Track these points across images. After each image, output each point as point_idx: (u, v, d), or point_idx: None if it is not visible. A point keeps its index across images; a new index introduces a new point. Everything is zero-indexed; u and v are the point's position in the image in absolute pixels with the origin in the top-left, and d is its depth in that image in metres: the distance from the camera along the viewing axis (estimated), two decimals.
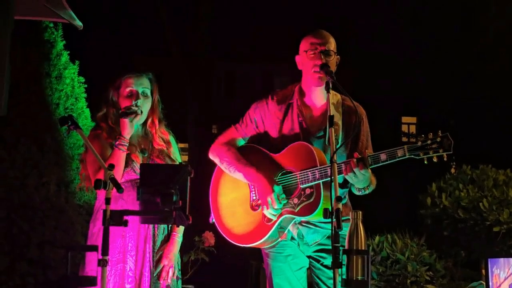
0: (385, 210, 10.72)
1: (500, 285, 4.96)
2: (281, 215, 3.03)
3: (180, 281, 3.28)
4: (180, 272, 3.30)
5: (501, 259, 5.12)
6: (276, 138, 3.18)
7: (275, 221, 3.04)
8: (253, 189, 3.16)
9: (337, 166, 2.87)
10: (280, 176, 3.09)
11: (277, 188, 3.02)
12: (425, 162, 2.78)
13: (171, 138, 3.39)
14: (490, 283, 5.01)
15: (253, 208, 3.14)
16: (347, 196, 3.22)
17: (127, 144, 3.13)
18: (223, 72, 21.96)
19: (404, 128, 21.30)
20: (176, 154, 3.36)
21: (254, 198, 3.15)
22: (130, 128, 3.13)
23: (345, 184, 3.12)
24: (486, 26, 14.41)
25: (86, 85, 5.58)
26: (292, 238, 3.15)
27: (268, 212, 3.03)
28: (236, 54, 20.43)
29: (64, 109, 5.34)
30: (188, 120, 12.60)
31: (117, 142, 3.11)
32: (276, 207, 2.99)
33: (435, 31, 15.67)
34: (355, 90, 3.02)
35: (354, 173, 2.84)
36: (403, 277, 5.51)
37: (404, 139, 20.02)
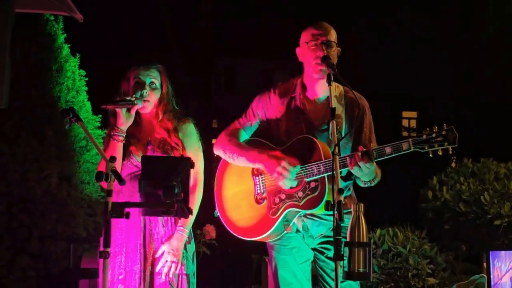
0: (386, 203, 10.73)
1: (501, 278, 4.97)
2: (286, 208, 3.02)
3: (184, 277, 3.19)
4: (189, 268, 3.21)
5: (503, 252, 5.12)
6: (280, 131, 3.16)
7: (280, 214, 3.03)
8: (257, 182, 3.15)
9: (342, 159, 2.87)
10: None
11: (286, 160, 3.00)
12: (430, 155, 2.77)
13: (185, 127, 3.31)
14: (492, 276, 5.01)
15: (258, 201, 3.13)
16: (351, 188, 3.20)
17: (123, 135, 3.10)
18: (223, 67, 21.94)
19: (405, 122, 21.30)
20: (188, 142, 3.27)
21: (258, 191, 3.14)
22: (124, 119, 3.09)
23: (349, 176, 3.10)
24: (487, 21, 14.39)
25: (87, 78, 5.58)
26: (297, 231, 3.14)
27: (287, 181, 2.97)
28: (235, 49, 20.40)
29: (65, 102, 5.34)
30: (188, 115, 12.57)
31: (112, 133, 3.10)
32: (292, 170, 2.95)
33: (435, 27, 15.64)
34: (355, 85, 3.00)
35: (359, 166, 2.83)
36: (404, 270, 5.51)
37: (405, 133, 20.03)
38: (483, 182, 6.24)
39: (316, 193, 2.95)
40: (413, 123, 21.27)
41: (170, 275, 3.09)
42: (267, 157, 3.03)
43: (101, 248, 2.54)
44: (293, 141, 3.07)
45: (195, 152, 3.28)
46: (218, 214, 3.27)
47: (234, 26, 18.02)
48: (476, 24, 14.68)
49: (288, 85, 3.24)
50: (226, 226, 3.23)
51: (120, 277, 3.08)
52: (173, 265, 3.09)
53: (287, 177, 2.97)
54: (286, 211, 3.02)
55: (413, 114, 21.48)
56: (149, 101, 3.20)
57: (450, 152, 2.75)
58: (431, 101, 16.48)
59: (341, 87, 3.18)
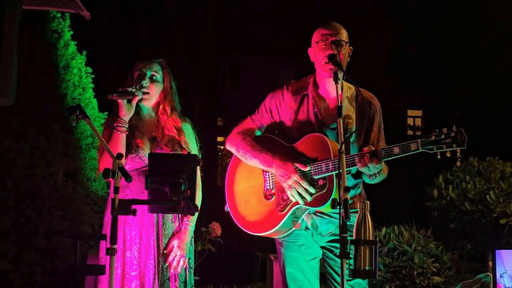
0: (392, 201, 10.72)
1: (505, 277, 4.96)
2: (294, 204, 3.03)
3: (191, 270, 3.26)
4: (192, 261, 3.28)
5: (508, 251, 5.11)
6: (291, 129, 3.18)
7: (288, 210, 3.05)
8: (267, 178, 3.17)
9: (351, 158, 2.89)
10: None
11: (295, 165, 3.02)
12: (438, 157, 2.77)
13: (186, 126, 3.37)
14: (497, 275, 5.00)
15: (267, 197, 3.15)
16: (361, 186, 3.21)
17: (126, 126, 3.13)
18: (228, 65, 21.96)
19: (410, 121, 21.27)
20: (190, 144, 3.33)
21: (268, 187, 3.16)
22: (126, 110, 3.13)
23: (359, 174, 3.11)
24: (493, 20, 14.35)
25: (93, 75, 5.60)
26: (306, 228, 3.15)
27: (300, 192, 2.97)
28: (241, 47, 20.41)
29: (71, 99, 5.36)
30: (194, 113, 12.59)
31: (114, 124, 3.13)
32: (305, 185, 2.96)
33: (441, 25, 15.61)
34: (361, 84, 3.00)
35: (369, 167, 2.85)
36: (409, 268, 5.51)
37: (410, 132, 20.01)
38: (489, 181, 6.23)
39: (324, 191, 2.96)
40: (418, 122, 21.25)
41: (179, 269, 3.13)
42: (280, 166, 3.04)
43: (108, 245, 2.55)
44: (304, 138, 3.08)
45: (196, 153, 3.33)
46: (229, 209, 3.29)
47: (239, 24, 18.02)
48: (482, 22, 14.65)
49: (301, 83, 3.26)
50: (236, 221, 3.25)
51: (133, 273, 3.09)
52: (182, 259, 3.14)
53: (300, 190, 2.97)
54: (294, 207, 3.03)
55: (418, 112, 21.46)
56: (149, 93, 3.24)
57: (459, 154, 2.75)
58: (436, 99, 16.46)
59: (353, 88, 3.19)
